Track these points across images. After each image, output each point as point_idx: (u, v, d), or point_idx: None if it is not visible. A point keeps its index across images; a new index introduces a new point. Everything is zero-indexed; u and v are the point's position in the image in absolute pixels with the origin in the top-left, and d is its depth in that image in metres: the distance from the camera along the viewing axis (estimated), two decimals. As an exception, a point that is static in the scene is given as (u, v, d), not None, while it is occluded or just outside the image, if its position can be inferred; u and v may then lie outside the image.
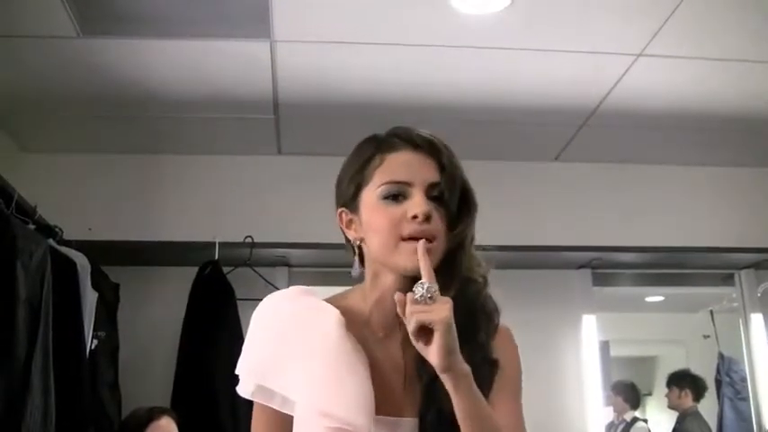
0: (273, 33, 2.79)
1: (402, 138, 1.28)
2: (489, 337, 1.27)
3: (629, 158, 3.97)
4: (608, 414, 4.76)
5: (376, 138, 1.32)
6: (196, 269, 3.44)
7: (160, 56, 2.95)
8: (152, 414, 2.81)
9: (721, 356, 4.66)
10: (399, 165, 1.25)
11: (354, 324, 1.27)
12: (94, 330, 3.07)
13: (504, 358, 1.28)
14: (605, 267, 4.03)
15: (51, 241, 2.91)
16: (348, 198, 1.30)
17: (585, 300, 3.98)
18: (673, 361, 5.30)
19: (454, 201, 1.26)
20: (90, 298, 3.03)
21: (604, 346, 4.28)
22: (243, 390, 1.26)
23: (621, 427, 4.95)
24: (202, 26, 2.74)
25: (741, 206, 3.99)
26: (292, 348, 1.23)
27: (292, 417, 1.22)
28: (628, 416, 4.98)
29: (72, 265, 2.93)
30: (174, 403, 3.14)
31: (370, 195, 1.26)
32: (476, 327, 1.24)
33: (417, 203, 1.21)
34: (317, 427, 1.16)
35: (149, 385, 3.31)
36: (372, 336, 1.29)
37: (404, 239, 1.21)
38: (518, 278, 3.66)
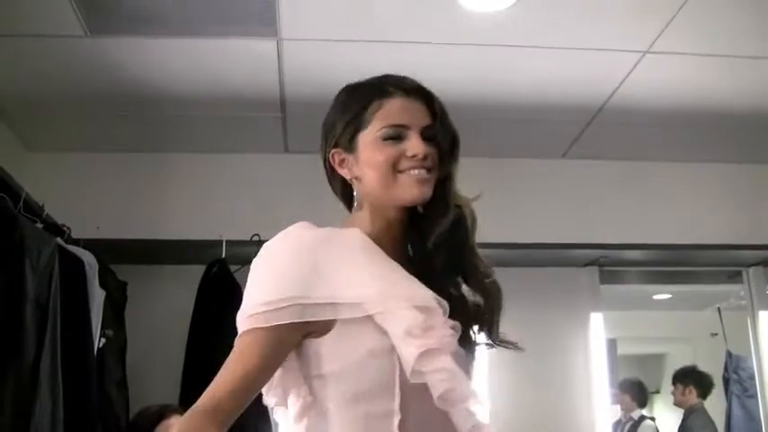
0: (280, 32, 2.79)
1: (394, 85, 1.40)
2: (484, 264, 1.42)
3: (637, 156, 3.96)
4: (615, 412, 4.75)
5: (369, 85, 1.42)
6: (203, 267, 3.44)
7: (167, 55, 2.95)
8: (163, 412, 2.81)
9: (729, 354, 4.66)
10: (397, 109, 1.37)
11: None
12: (102, 329, 3.08)
13: None
14: (612, 265, 4.02)
15: (59, 240, 2.91)
16: (345, 140, 1.40)
17: (593, 298, 3.97)
18: (680, 359, 5.29)
19: (445, 141, 1.40)
20: (98, 296, 3.04)
21: (612, 344, 4.28)
22: (276, 317, 1.23)
23: (629, 425, 4.94)
24: (209, 25, 2.74)
25: (749, 203, 3.98)
26: (329, 262, 1.27)
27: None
28: (635, 414, 4.97)
29: (80, 263, 2.94)
30: (183, 401, 3.14)
31: (370, 137, 1.37)
32: (472, 254, 1.41)
33: (416, 144, 1.35)
34: (401, 307, 1.23)
35: (157, 383, 3.32)
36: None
37: (400, 171, 1.35)
38: (525, 276, 3.66)
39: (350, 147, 1.39)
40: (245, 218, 3.57)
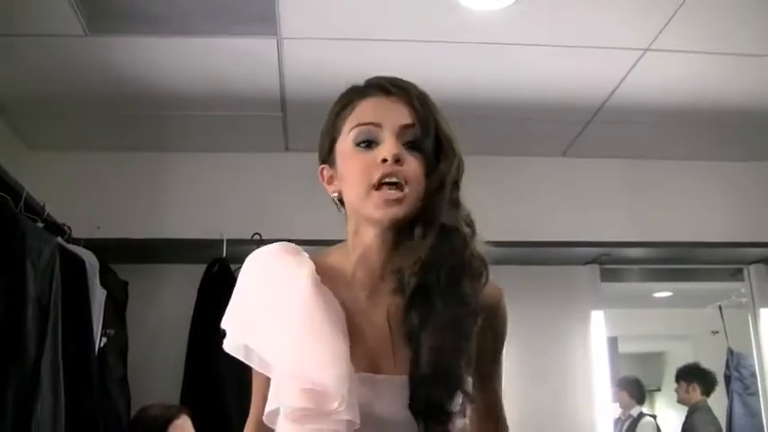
0: (280, 30, 2.79)
1: (374, 85, 1.27)
2: (474, 291, 1.19)
3: (637, 154, 3.96)
4: (614, 410, 4.75)
5: (350, 88, 1.30)
6: (204, 266, 3.45)
7: (167, 54, 2.95)
8: (173, 412, 2.81)
9: (730, 352, 4.65)
10: (369, 108, 1.23)
11: (336, 283, 1.23)
12: (103, 328, 3.08)
13: (493, 322, 1.27)
14: (613, 263, 4.01)
15: (60, 239, 2.91)
16: (325, 152, 1.29)
17: (593, 296, 3.97)
18: (681, 356, 5.29)
19: (429, 144, 1.21)
20: (99, 296, 3.04)
21: (612, 342, 4.27)
22: (228, 346, 1.25)
23: (629, 422, 4.94)
24: (209, 24, 2.74)
25: (750, 201, 3.98)
26: (267, 307, 1.20)
27: None
28: (634, 411, 4.97)
29: (80, 263, 2.94)
30: (184, 400, 3.15)
31: (344, 144, 1.24)
32: (459, 278, 1.18)
33: (387, 147, 1.18)
34: (290, 388, 1.12)
35: (158, 382, 3.32)
36: (355, 296, 1.25)
37: (374, 187, 1.18)
38: (526, 274, 3.66)
39: (330, 159, 1.27)
40: (246, 217, 3.58)
